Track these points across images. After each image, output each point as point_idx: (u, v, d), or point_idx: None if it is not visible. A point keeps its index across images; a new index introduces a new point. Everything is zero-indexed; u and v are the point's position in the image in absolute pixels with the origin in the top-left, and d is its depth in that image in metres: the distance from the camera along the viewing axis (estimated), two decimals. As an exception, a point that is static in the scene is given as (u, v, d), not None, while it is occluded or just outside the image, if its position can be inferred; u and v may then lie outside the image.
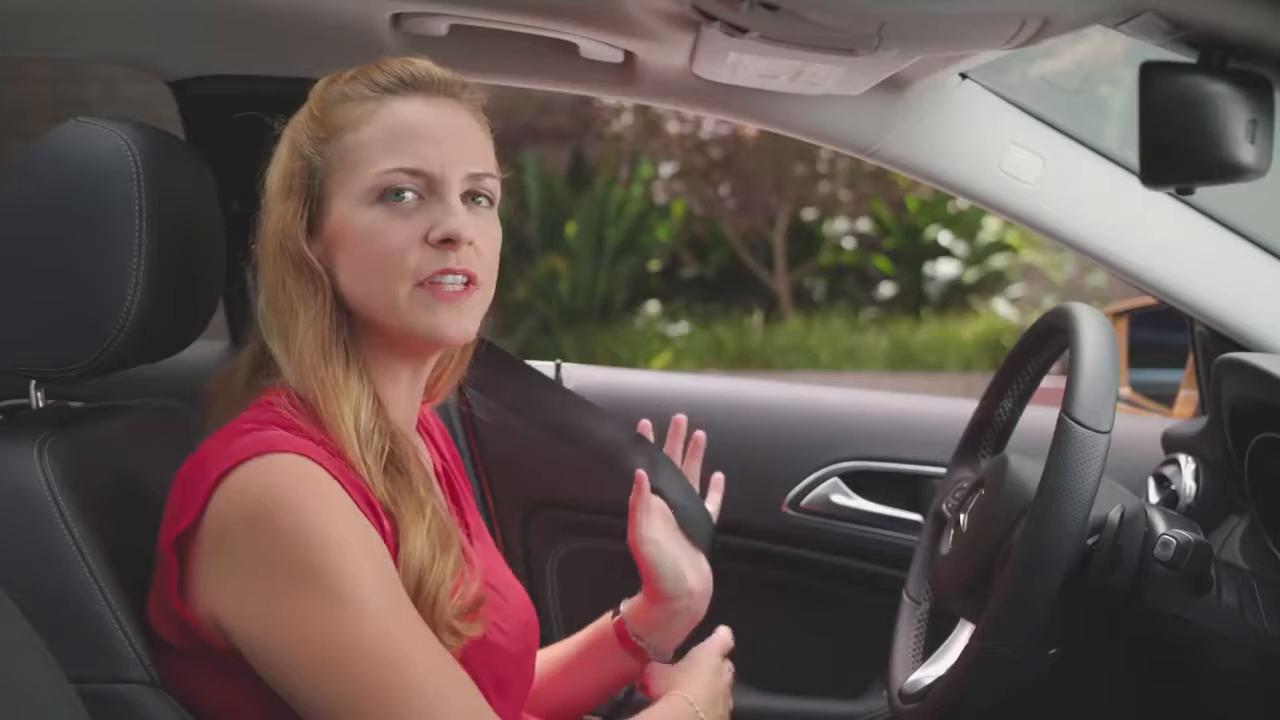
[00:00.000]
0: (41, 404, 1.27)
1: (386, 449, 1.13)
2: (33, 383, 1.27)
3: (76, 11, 1.50)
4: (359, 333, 1.17)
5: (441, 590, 1.09)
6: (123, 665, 1.09)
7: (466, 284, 1.14)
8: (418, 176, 1.13)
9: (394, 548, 1.10)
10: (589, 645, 1.42)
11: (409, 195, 1.13)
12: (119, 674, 1.09)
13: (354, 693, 1.03)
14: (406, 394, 1.21)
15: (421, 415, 1.33)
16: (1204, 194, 1.51)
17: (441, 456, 1.33)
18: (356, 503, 1.08)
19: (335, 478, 1.07)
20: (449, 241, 1.12)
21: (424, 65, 1.18)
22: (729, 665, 1.38)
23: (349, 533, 1.05)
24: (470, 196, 1.16)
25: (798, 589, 1.85)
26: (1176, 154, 1.08)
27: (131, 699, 1.09)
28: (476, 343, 1.30)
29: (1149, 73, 1.07)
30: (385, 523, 1.10)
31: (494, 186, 1.19)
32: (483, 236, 1.16)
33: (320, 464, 1.07)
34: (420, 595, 1.08)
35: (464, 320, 1.15)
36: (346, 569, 1.03)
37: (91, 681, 1.07)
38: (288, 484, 1.05)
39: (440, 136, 1.15)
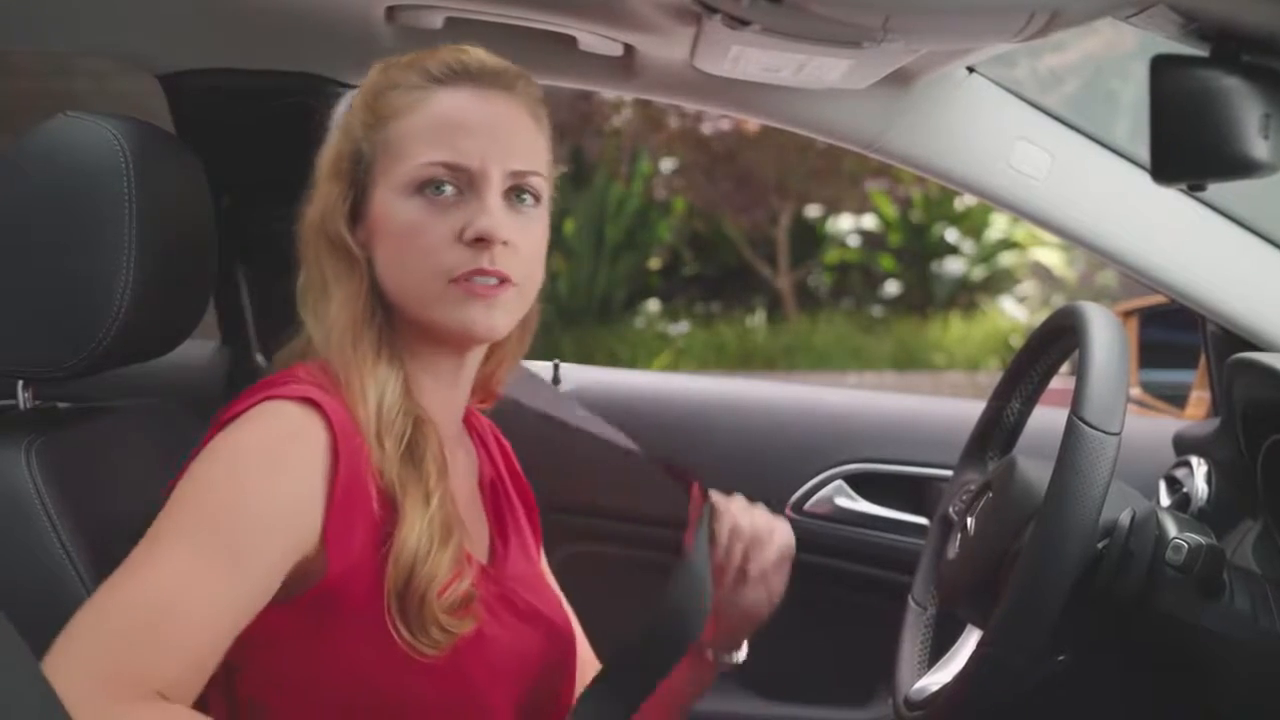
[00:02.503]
0: (29, 405, 1.27)
1: (408, 434, 1.13)
2: (20, 383, 1.26)
3: (64, 3, 1.50)
4: (395, 321, 1.18)
5: (433, 584, 1.09)
6: (111, 671, 1.09)
7: (500, 282, 1.14)
8: (457, 171, 1.14)
9: (383, 532, 1.09)
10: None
11: (448, 189, 1.14)
12: (107, 680, 1.09)
13: (133, 553, 1.03)
14: (446, 387, 1.21)
15: (480, 424, 1.34)
16: (1216, 190, 1.51)
17: (495, 467, 1.32)
18: (350, 463, 1.08)
19: (334, 432, 1.08)
20: (482, 241, 1.12)
21: (477, 55, 1.18)
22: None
23: (272, 496, 1.05)
24: (514, 193, 1.16)
25: (801, 594, 1.85)
26: (1188, 149, 1.08)
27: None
28: (525, 342, 1.30)
29: (1160, 66, 1.06)
30: (379, 505, 1.10)
31: (540, 184, 1.18)
32: (522, 235, 1.15)
33: (327, 414, 1.08)
34: (410, 585, 1.08)
35: (494, 317, 1.14)
36: (230, 501, 1.04)
37: (79, 688, 1.07)
38: (256, 427, 1.08)
39: (483, 130, 1.15)
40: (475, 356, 1.23)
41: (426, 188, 1.13)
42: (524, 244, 1.16)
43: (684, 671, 1.30)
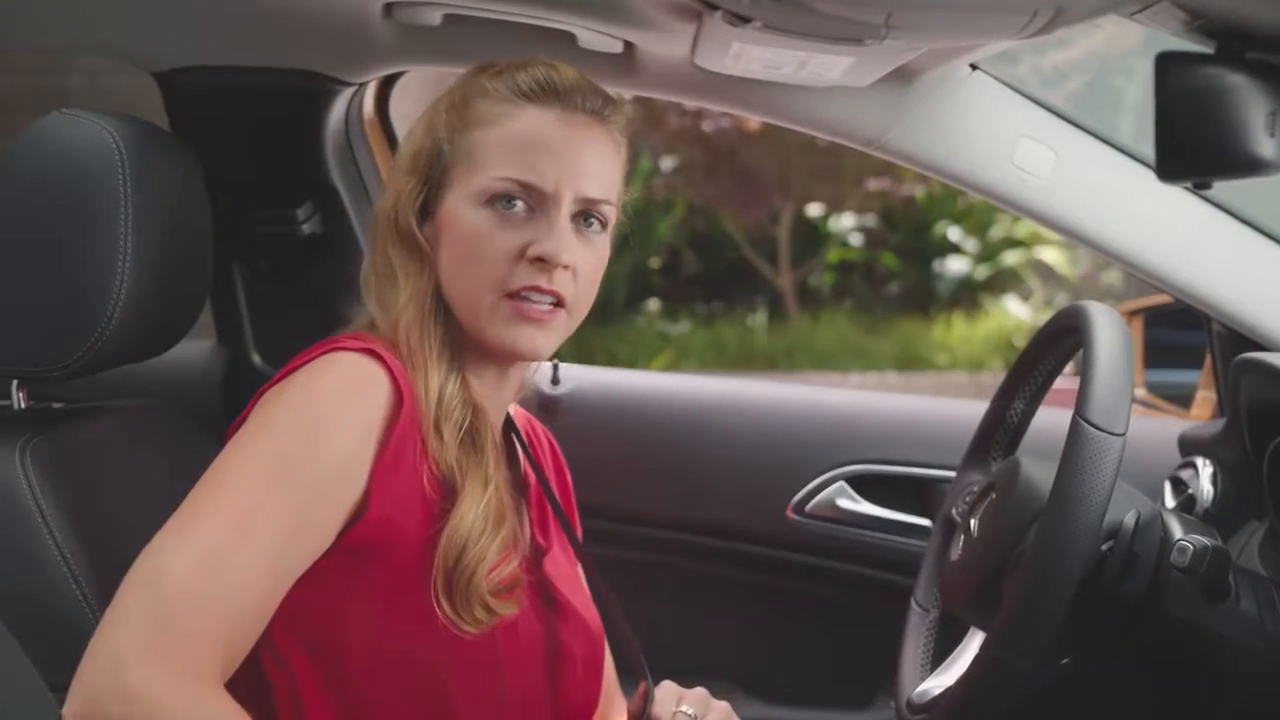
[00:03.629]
0: (23, 405, 1.27)
1: (468, 421, 1.16)
2: (14, 383, 1.26)
3: (60, 1, 1.50)
4: (454, 322, 1.19)
5: (482, 564, 1.11)
6: (106, 674, 1.09)
7: (555, 305, 1.16)
8: (530, 190, 1.16)
9: (435, 514, 1.11)
10: None
11: (519, 205, 1.16)
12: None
13: (189, 499, 1.04)
14: (491, 390, 1.23)
15: (534, 427, 1.37)
16: (1222, 188, 1.51)
17: (543, 468, 1.35)
18: (410, 414, 1.11)
19: (396, 383, 1.11)
20: (543, 261, 1.14)
21: (570, 74, 1.20)
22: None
23: (331, 434, 1.07)
24: (581, 218, 1.18)
25: (803, 596, 1.86)
26: (1193, 147, 1.08)
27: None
28: None
29: (1165, 64, 1.07)
30: (433, 486, 1.12)
31: (609, 212, 1.20)
32: (583, 260, 1.18)
33: (389, 366, 1.11)
34: (460, 564, 1.11)
35: (541, 340, 1.17)
36: (290, 449, 1.06)
37: (74, 691, 1.07)
38: (320, 370, 1.10)
39: (563, 153, 1.17)
40: (519, 370, 1.26)
41: (497, 201, 1.16)
42: (584, 269, 1.18)
43: None
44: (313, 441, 1.07)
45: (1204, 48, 1.10)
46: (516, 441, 1.32)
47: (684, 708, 1.28)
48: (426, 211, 1.19)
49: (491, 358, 1.20)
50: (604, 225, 1.20)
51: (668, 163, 9.30)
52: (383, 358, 1.12)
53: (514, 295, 1.15)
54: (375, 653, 1.11)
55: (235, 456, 1.06)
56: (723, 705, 1.31)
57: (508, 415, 1.31)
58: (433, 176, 1.19)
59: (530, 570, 1.22)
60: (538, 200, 1.16)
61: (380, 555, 1.10)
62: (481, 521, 1.12)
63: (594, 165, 1.18)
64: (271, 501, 1.04)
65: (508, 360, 1.21)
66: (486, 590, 1.12)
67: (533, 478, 1.32)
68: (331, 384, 1.10)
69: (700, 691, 1.31)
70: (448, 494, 1.13)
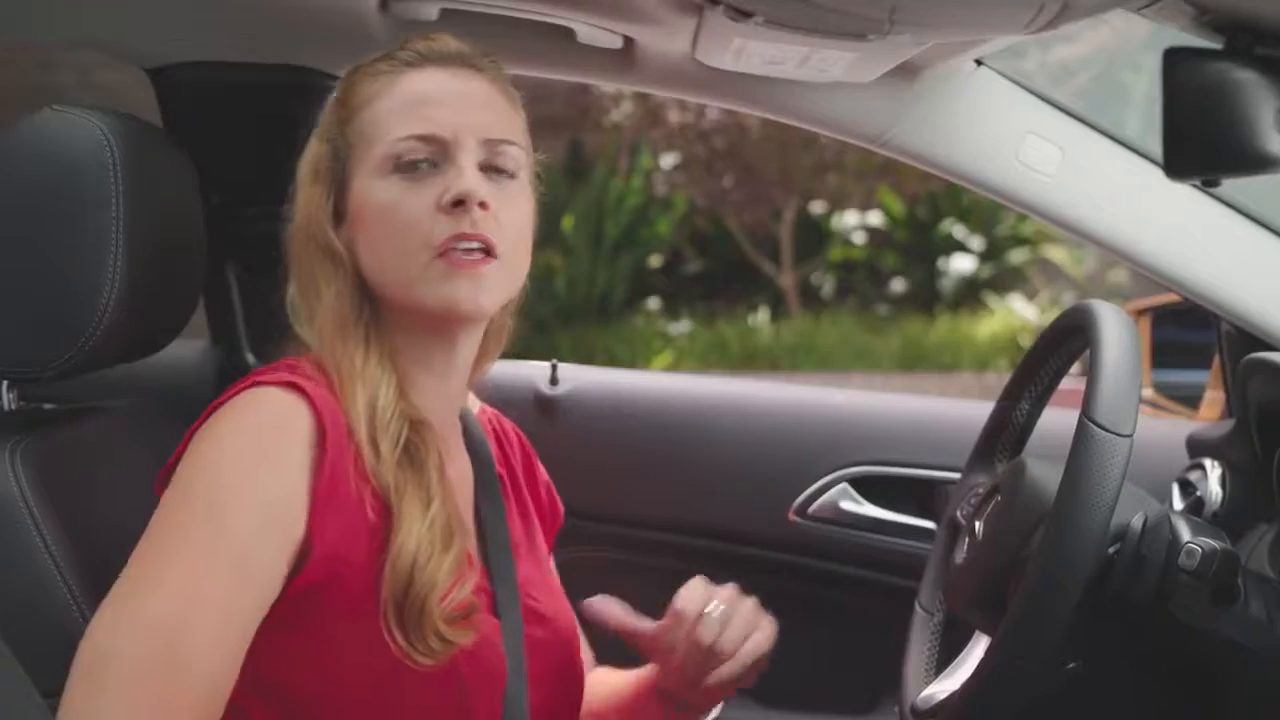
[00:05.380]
0: (13, 406, 1.27)
1: (404, 436, 1.13)
2: (4, 384, 1.26)
3: (51, -5, 1.50)
4: (383, 317, 1.18)
5: (433, 592, 1.08)
6: (98, 679, 1.09)
7: (485, 253, 1.14)
8: (430, 142, 1.15)
9: (380, 536, 1.09)
10: (624, 704, 1.35)
11: (423, 164, 1.15)
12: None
13: (130, 566, 1.03)
14: (439, 379, 1.21)
15: (498, 424, 1.35)
16: (1230, 186, 1.51)
17: (509, 466, 1.33)
18: (338, 451, 1.08)
19: (320, 419, 1.08)
20: (460, 204, 1.13)
21: (447, 39, 1.20)
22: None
23: (259, 473, 1.06)
24: (491, 169, 1.17)
25: (806, 599, 1.85)
26: (1201, 144, 1.08)
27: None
28: (509, 326, 1.30)
29: (1173, 59, 1.07)
30: (374, 507, 1.10)
31: (517, 156, 1.19)
32: (502, 206, 1.16)
33: (312, 401, 1.09)
34: (411, 590, 1.08)
35: (479, 292, 1.14)
36: (225, 500, 1.04)
37: (66, 696, 1.07)
38: (243, 409, 1.09)
39: (454, 102, 1.16)
40: (466, 345, 1.22)
41: (402, 164, 1.15)
42: (504, 214, 1.16)
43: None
44: (241, 492, 1.04)
45: (1212, 43, 1.10)
46: (488, 439, 1.30)
47: (710, 608, 1.23)
48: (338, 215, 1.18)
49: (434, 333, 1.18)
50: (514, 174, 1.19)
51: (668, 160, 9.30)
52: (302, 388, 1.09)
53: (442, 252, 1.13)
54: (336, 694, 1.09)
55: (168, 518, 1.04)
56: (750, 603, 1.26)
57: (471, 414, 1.30)
58: (336, 176, 1.18)
59: (486, 588, 1.19)
60: (440, 152, 1.15)
61: (332, 593, 1.08)
62: (427, 545, 1.09)
63: (488, 110, 1.18)
64: (211, 561, 1.02)
65: (451, 326, 1.18)
66: (440, 619, 1.08)
67: (510, 493, 1.30)
68: (250, 427, 1.08)
69: (730, 589, 1.26)
70: (391, 516, 1.10)
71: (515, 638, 1.19)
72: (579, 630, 1.31)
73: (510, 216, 1.17)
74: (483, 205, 1.14)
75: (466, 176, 1.14)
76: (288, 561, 1.06)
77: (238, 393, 1.10)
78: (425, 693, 1.11)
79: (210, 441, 1.08)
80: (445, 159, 1.15)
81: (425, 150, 1.15)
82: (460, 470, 1.25)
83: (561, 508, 1.41)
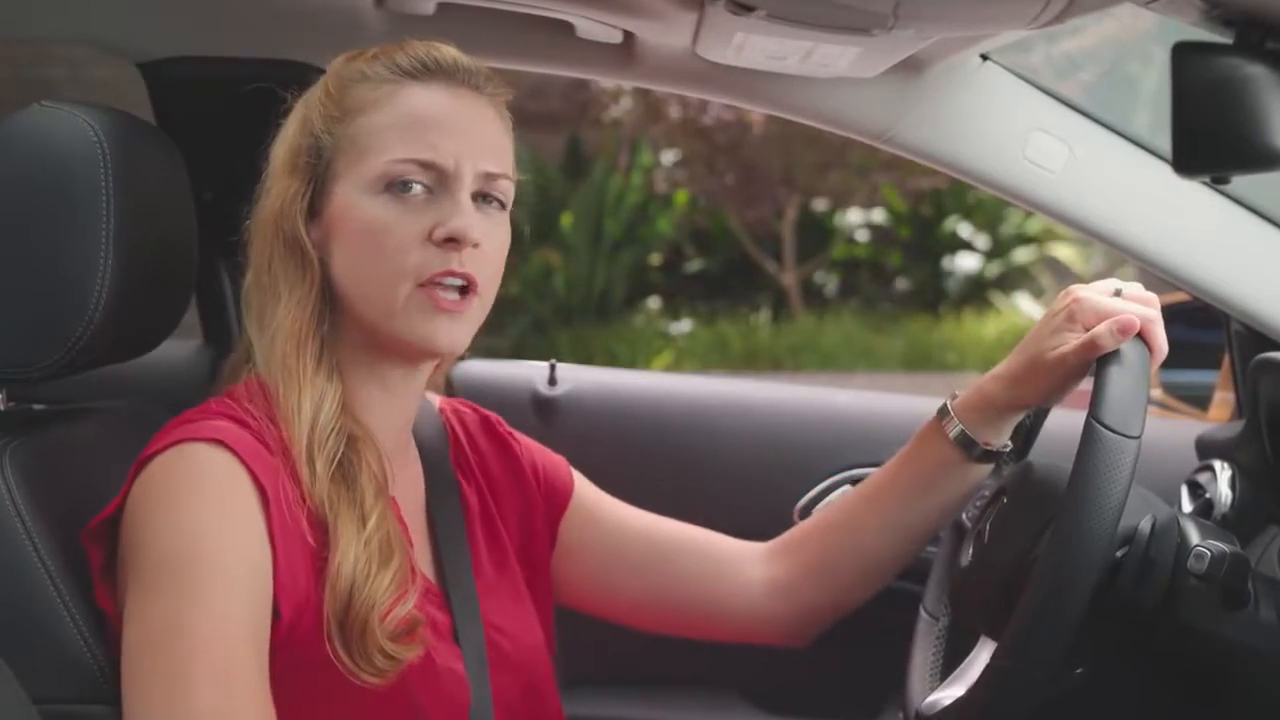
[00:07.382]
0: (2, 407, 1.27)
1: (340, 453, 1.13)
2: (-7, 384, 1.26)
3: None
4: (342, 328, 1.17)
5: (373, 611, 1.08)
6: (89, 685, 1.09)
7: (466, 291, 1.14)
8: (429, 169, 1.14)
9: (320, 558, 1.09)
10: (909, 455, 1.36)
11: (417, 188, 1.13)
12: (85, 694, 1.09)
13: (146, 676, 1.03)
14: (395, 398, 1.21)
15: (463, 427, 1.34)
16: (1240, 183, 1.51)
17: (469, 473, 1.32)
18: (278, 503, 1.07)
19: (253, 472, 1.07)
20: (453, 241, 1.12)
21: (450, 52, 1.18)
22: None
23: (220, 535, 1.05)
24: (481, 197, 1.16)
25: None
26: (1211, 141, 1.08)
27: (98, 720, 1.09)
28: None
29: (1182, 54, 1.06)
30: (312, 532, 1.09)
31: (508, 189, 1.18)
32: (489, 240, 1.15)
33: (240, 456, 1.07)
34: (351, 610, 1.08)
35: (458, 332, 1.15)
36: (200, 572, 1.04)
37: (56, 701, 1.07)
38: (180, 474, 1.07)
39: (457, 128, 1.15)
40: (428, 368, 1.23)
41: (395, 185, 1.13)
42: (489, 245, 1.16)
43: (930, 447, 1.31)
44: (225, 565, 1.04)
45: (1222, 37, 1.10)
46: (451, 436, 1.30)
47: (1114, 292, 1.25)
48: (313, 212, 1.17)
49: (399, 359, 1.18)
50: (504, 205, 1.18)
51: (669, 157, 9.30)
52: (227, 444, 1.08)
53: (426, 284, 1.12)
54: None
55: (162, 614, 1.04)
56: (1136, 287, 1.28)
57: (427, 423, 1.29)
58: (316, 173, 1.16)
59: (439, 608, 1.19)
60: (438, 180, 1.14)
61: (295, 639, 1.08)
62: (365, 563, 1.09)
63: (490, 140, 1.17)
64: (230, 645, 1.02)
65: (421, 359, 1.19)
66: (384, 636, 1.08)
67: (475, 505, 1.29)
68: (208, 501, 1.06)
69: (1136, 285, 1.28)
70: (328, 538, 1.10)
71: (478, 665, 1.18)
72: (546, 646, 1.30)
73: (494, 247, 1.17)
74: (475, 245, 1.13)
75: (464, 213, 1.13)
76: (267, 612, 1.06)
77: (165, 448, 1.09)
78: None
79: (165, 520, 1.06)
80: (442, 188, 1.14)
81: (423, 175, 1.14)
82: (411, 481, 1.25)
83: (570, 475, 1.39)
